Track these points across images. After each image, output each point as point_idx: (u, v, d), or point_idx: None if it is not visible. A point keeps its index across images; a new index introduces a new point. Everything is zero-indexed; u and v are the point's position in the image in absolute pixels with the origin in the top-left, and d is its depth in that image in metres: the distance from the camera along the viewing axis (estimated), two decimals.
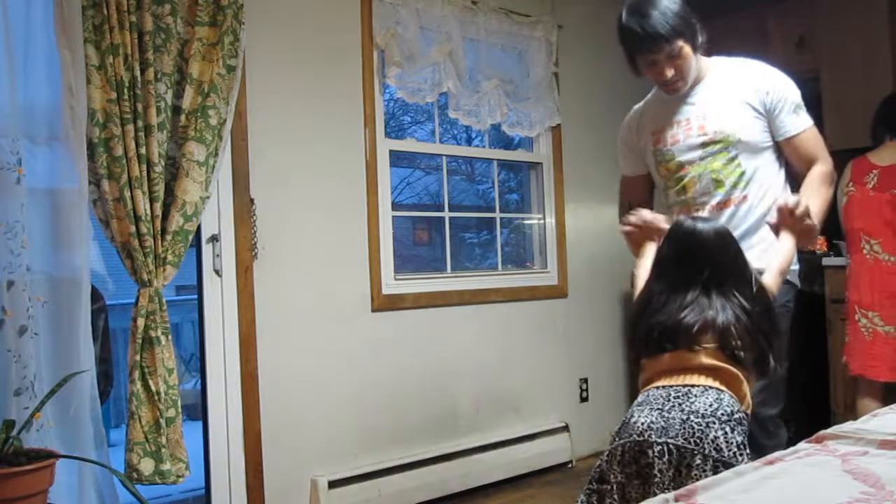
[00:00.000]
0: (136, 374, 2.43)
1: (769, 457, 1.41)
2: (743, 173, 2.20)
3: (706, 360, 1.66)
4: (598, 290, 4.07)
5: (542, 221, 3.99)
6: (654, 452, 1.56)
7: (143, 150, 2.43)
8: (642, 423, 1.60)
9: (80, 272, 2.33)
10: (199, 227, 2.68)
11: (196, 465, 2.64)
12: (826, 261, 3.60)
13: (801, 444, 1.49)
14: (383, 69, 3.30)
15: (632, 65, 2.23)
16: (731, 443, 1.55)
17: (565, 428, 3.80)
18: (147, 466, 2.42)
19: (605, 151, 3.91)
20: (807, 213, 1.94)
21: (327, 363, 3.07)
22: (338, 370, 3.11)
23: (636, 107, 2.47)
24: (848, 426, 1.58)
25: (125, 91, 2.39)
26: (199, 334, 2.84)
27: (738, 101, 2.20)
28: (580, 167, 4.04)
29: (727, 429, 1.56)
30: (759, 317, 1.71)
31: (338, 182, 3.15)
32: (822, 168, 2.19)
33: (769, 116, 2.20)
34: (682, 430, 1.56)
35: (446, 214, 3.69)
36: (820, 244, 3.71)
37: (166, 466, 2.44)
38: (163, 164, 2.51)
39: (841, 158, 2.91)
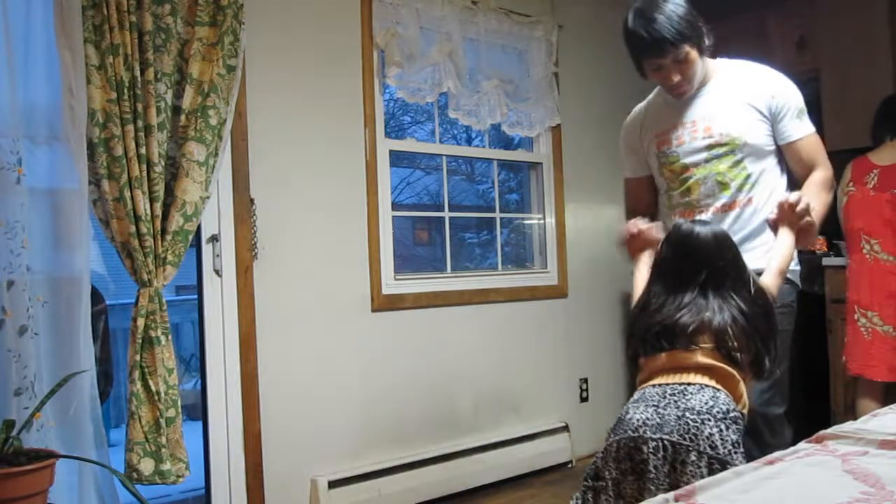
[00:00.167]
0: (136, 374, 2.43)
1: (769, 457, 1.41)
2: (749, 176, 2.19)
3: (703, 359, 1.67)
4: (598, 290, 4.07)
5: (542, 221, 3.99)
6: (648, 448, 1.56)
7: (143, 150, 2.43)
8: (637, 420, 1.61)
9: (80, 272, 2.33)
10: (199, 227, 2.68)
11: (196, 465, 2.64)
12: (826, 261, 3.60)
13: (801, 444, 1.49)
14: (383, 69, 3.30)
15: (638, 68, 2.23)
16: (726, 440, 1.56)
17: (565, 428, 3.80)
18: (147, 466, 2.42)
19: (605, 151, 3.91)
20: (807, 211, 1.94)
21: (327, 363, 3.07)
22: (338, 370, 3.11)
23: (638, 107, 2.46)
24: (848, 426, 1.59)
25: (125, 91, 2.39)
26: (199, 334, 2.84)
27: (744, 105, 2.20)
28: (580, 167, 4.04)
29: (722, 426, 1.57)
30: (757, 318, 1.72)
31: (338, 182, 3.15)
32: (822, 174, 2.19)
33: (773, 120, 2.20)
34: (678, 427, 1.56)
35: (446, 214, 3.69)
36: (820, 244, 3.71)
37: (166, 466, 2.44)
38: (163, 164, 2.51)
39: (841, 158, 2.92)
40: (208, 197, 2.62)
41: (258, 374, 2.86)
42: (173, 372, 2.49)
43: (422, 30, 3.36)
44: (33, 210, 2.27)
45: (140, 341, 2.43)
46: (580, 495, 1.66)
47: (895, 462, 1.32)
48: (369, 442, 3.18)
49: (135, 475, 2.39)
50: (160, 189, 2.49)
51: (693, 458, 1.54)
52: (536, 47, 3.84)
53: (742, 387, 1.68)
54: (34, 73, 2.31)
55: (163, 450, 2.43)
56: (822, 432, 1.54)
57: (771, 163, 2.22)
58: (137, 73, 2.43)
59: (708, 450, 1.54)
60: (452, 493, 3.31)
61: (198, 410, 3.22)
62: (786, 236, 1.96)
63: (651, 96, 2.42)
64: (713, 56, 2.27)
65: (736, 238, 1.97)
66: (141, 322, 2.43)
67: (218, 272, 2.80)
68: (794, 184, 2.24)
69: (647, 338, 1.74)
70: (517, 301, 3.74)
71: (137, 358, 2.43)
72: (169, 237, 2.51)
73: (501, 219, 3.95)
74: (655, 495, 1.48)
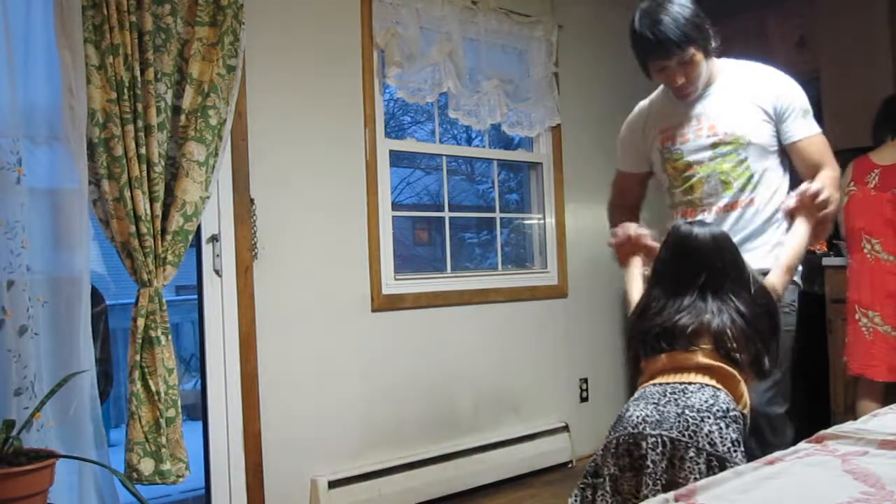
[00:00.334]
0: (136, 374, 2.43)
1: (769, 457, 1.41)
2: (752, 175, 2.19)
3: (703, 359, 1.68)
4: (597, 290, 4.07)
5: (541, 221, 3.99)
6: (647, 444, 1.57)
7: (143, 150, 2.43)
8: (637, 417, 1.61)
9: (80, 272, 2.33)
10: (199, 227, 2.68)
11: (196, 465, 2.64)
12: (826, 261, 3.60)
13: (801, 444, 1.50)
14: (383, 69, 3.30)
15: (643, 68, 2.23)
16: (726, 438, 1.56)
17: (565, 428, 3.80)
18: (147, 466, 2.42)
19: (605, 151, 3.90)
20: (827, 203, 1.92)
21: (327, 363, 3.07)
22: (338, 370, 3.11)
23: (642, 104, 2.45)
24: (848, 426, 1.59)
25: (125, 91, 2.39)
26: (199, 334, 2.84)
27: (749, 104, 2.20)
28: (580, 167, 4.04)
29: (722, 424, 1.57)
30: (757, 319, 1.72)
31: (338, 182, 3.15)
32: (830, 172, 2.18)
33: (778, 120, 2.19)
34: (677, 424, 1.57)
35: (446, 214, 3.69)
36: (820, 244, 3.71)
37: (166, 466, 2.44)
38: (163, 164, 2.50)
39: (841, 158, 2.90)
40: (208, 197, 2.62)
41: (258, 374, 2.86)
42: (173, 372, 2.49)
43: (422, 30, 3.36)
44: (33, 210, 2.27)
45: (140, 341, 2.43)
46: (578, 492, 1.66)
47: (895, 462, 1.32)
48: (369, 442, 3.18)
49: (135, 475, 2.39)
50: (160, 189, 2.49)
51: (692, 454, 1.54)
52: (536, 47, 3.84)
53: (742, 387, 1.69)
54: (34, 73, 2.31)
55: (163, 450, 2.43)
56: (822, 432, 1.54)
57: (774, 163, 2.22)
58: (137, 73, 2.43)
59: (707, 447, 1.54)
60: (452, 493, 3.31)
61: (198, 410, 3.22)
62: (801, 227, 1.94)
63: (656, 92, 2.41)
64: (717, 56, 2.27)
65: (737, 238, 1.97)
66: (141, 322, 2.43)
67: (218, 272, 2.80)
68: (797, 185, 2.24)
69: (647, 340, 1.75)
70: (517, 301, 3.74)
71: (137, 358, 2.43)
72: (169, 237, 2.51)
73: (501, 219, 3.95)
74: (653, 490, 1.49)
